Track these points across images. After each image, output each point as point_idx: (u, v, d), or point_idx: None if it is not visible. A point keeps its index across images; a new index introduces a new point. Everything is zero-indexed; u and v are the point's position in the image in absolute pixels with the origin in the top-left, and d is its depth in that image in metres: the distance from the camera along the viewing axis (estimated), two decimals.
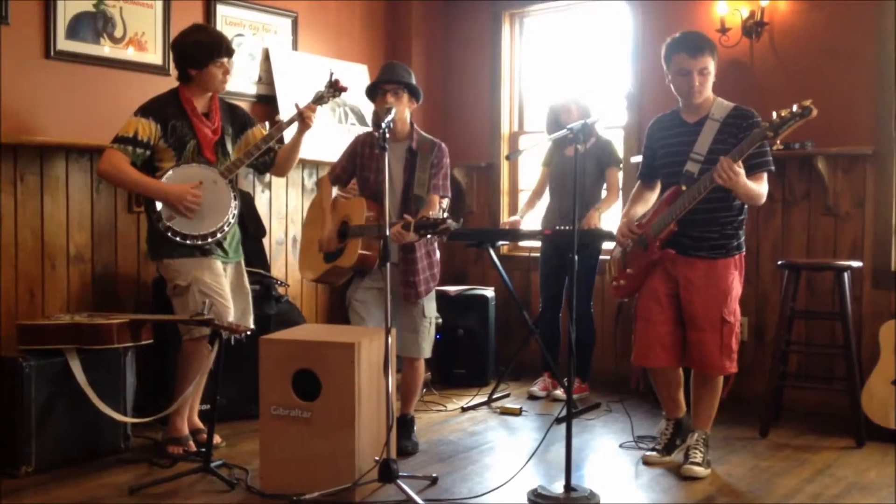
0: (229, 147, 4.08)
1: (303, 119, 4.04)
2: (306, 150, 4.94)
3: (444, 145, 4.06)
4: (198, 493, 3.46)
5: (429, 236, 3.52)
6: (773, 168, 3.66)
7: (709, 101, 3.73)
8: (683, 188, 3.66)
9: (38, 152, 4.23)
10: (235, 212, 3.99)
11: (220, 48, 3.93)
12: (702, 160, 3.65)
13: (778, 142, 3.46)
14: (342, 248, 4.01)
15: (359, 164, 4.09)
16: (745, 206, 3.74)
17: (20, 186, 4.18)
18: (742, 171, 3.46)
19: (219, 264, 3.98)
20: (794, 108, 3.36)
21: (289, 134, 4.18)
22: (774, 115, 3.39)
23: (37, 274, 4.26)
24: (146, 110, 3.89)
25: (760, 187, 3.61)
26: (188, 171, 3.90)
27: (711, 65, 3.66)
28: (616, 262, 3.99)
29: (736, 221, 3.72)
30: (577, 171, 3.52)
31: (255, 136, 4.13)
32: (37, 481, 3.58)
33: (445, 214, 3.46)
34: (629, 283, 3.90)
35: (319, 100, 4.13)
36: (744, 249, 3.79)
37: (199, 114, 3.97)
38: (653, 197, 3.96)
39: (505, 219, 5.97)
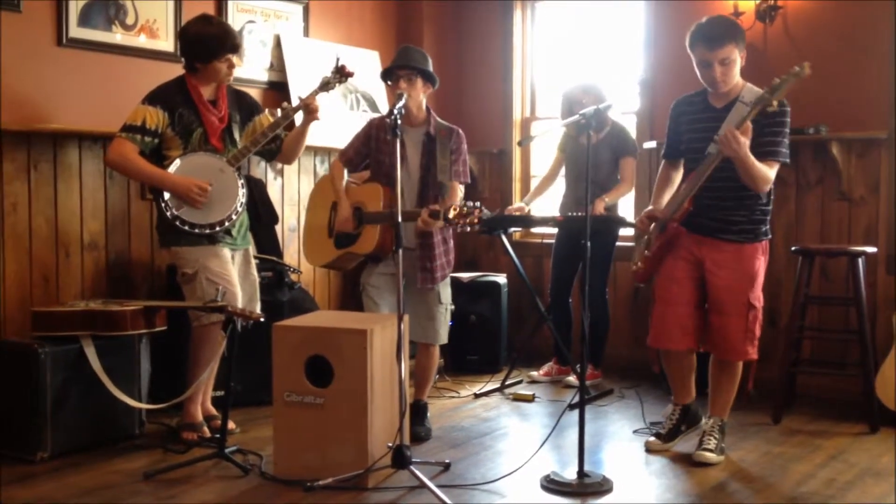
0: (237, 134, 4.07)
1: (308, 110, 4.02)
2: (317, 137, 4.94)
3: (461, 131, 4.05)
4: (212, 478, 3.48)
5: (460, 224, 3.45)
6: (786, 160, 3.59)
7: (737, 87, 3.63)
8: None
9: (51, 140, 4.25)
10: (243, 200, 3.98)
11: (224, 45, 3.90)
12: None
13: (774, 103, 3.42)
14: (357, 234, 4.01)
15: (373, 147, 4.07)
16: (772, 192, 3.66)
17: (34, 174, 4.19)
18: (746, 142, 3.40)
19: (226, 251, 3.98)
20: (790, 71, 3.38)
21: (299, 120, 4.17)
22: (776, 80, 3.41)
23: (51, 261, 4.28)
24: (154, 98, 3.89)
25: (766, 171, 3.52)
26: (195, 160, 3.90)
27: (735, 53, 3.55)
28: (640, 250, 3.94)
29: (763, 206, 3.65)
30: (591, 158, 3.51)
31: (261, 124, 4.12)
32: (52, 467, 3.61)
33: (477, 203, 3.44)
34: (646, 266, 3.84)
35: (325, 86, 4.12)
36: (770, 236, 3.74)
37: (206, 102, 3.96)
38: (678, 177, 3.87)
39: (515, 204, 5.95)
